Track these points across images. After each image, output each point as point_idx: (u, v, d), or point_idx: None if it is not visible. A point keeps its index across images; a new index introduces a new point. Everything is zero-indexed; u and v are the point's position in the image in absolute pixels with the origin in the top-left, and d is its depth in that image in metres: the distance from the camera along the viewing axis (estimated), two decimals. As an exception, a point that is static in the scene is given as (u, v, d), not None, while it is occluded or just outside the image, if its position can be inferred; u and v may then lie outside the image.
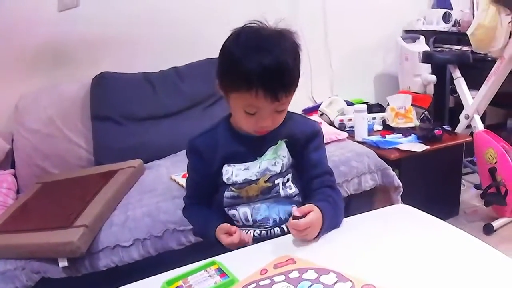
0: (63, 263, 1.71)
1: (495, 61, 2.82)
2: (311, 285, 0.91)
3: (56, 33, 2.72)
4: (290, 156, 1.31)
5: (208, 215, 1.36)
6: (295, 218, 1.12)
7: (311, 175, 1.33)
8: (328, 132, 2.60)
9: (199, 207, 1.42)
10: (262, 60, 1.10)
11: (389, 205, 1.40)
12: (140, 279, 1.07)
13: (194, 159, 1.36)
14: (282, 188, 1.31)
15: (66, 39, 2.75)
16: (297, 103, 3.29)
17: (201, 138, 1.35)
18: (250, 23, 1.19)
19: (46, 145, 2.55)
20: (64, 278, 1.75)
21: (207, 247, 1.32)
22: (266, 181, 1.29)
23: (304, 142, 1.32)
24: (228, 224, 1.25)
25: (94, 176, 2.25)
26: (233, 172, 1.29)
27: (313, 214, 1.14)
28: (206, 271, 1.05)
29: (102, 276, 1.78)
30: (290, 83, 1.16)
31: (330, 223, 1.19)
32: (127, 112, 2.62)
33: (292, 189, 1.32)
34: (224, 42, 1.19)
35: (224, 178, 1.30)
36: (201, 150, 1.32)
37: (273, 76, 1.11)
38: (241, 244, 1.22)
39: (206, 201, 1.39)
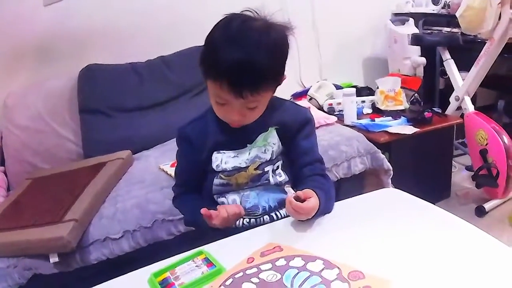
0: (54, 259, 1.70)
1: (485, 43, 2.79)
2: (297, 273, 0.90)
3: (42, 28, 2.70)
4: (280, 143, 1.31)
5: (197, 203, 1.33)
6: (297, 199, 1.12)
7: (302, 163, 1.32)
8: (317, 117, 2.58)
9: (189, 196, 1.41)
10: (234, 53, 1.08)
11: (379, 189, 1.40)
12: (131, 271, 1.06)
13: (184, 146, 1.35)
14: (272, 175, 1.30)
15: (52, 34, 2.72)
16: (286, 88, 3.27)
17: (191, 125, 1.34)
18: (244, 10, 1.17)
19: (35, 140, 2.55)
20: (56, 274, 1.74)
21: (197, 236, 1.32)
22: (255, 169, 1.29)
23: (295, 129, 1.32)
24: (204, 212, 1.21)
25: (83, 169, 2.24)
26: (223, 160, 1.28)
27: (314, 200, 1.13)
28: (193, 261, 1.05)
29: (94, 269, 1.77)
30: (259, 83, 1.12)
31: (322, 210, 1.18)
32: (115, 103, 2.61)
33: (282, 177, 1.32)
34: (213, 27, 1.17)
35: (214, 165, 1.29)
36: (191, 137, 1.31)
37: (240, 72, 1.08)
38: (234, 217, 1.22)
39: (196, 189, 1.38)
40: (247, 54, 1.08)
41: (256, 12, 1.16)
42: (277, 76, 1.18)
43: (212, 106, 1.23)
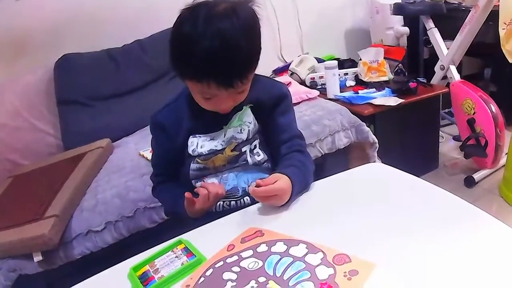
0: (37, 257, 1.66)
1: (469, 10, 2.75)
2: (280, 259, 0.87)
3: (15, 22, 2.62)
4: (256, 121, 1.27)
5: (176, 192, 1.31)
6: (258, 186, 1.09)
7: (279, 140, 1.29)
8: (299, 92, 2.56)
9: (167, 184, 1.39)
10: (210, 48, 1.01)
11: (366, 163, 1.36)
12: (117, 263, 1.03)
13: (158, 134, 1.32)
14: (250, 155, 1.27)
15: (25, 26, 2.65)
16: (266, 64, 3.29)
17: (164, 112, 1.30)
18: None
19: (14, 138, 2.49)
20: (41, 273, 1.71)
21: (181, 223, 1.28)
22: (232, 150, 1.26)
23: (271, 106, 1.28)
24: (188, 196, 1.19)
25: (63, 162, 2.20)
26: (198, 143, 1.25)
27: (281, 181, 1.09)
28: (173, 251, 1.02)
29: (78, 265, 1.73)
30: (245, 67, 1.09)
31: (299, 188, 1.15)
32: (92, 92, 2.56)
33: (260, 156, 1.28)
34: (174, 23, 1.09)
35: (190, 150, 1.26)
36: (164, 125, 1.28)
37: (224, 65, 1.03)
38: (216, 197, 1.20)
39: (174, 177, 1.36)
40: (226, 46, 1.02)
41: None
42: (257, 54, 1.13)
43: (197, 100, 1.18)
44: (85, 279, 1.00)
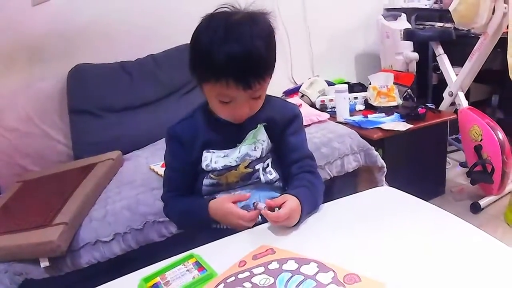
0: (44, 263, 1.66)
1: (478, 37, 2.78)
2: (291, 277, 0.88)
3: (30, 29, 2.65)
4: (269, 140, 1.29)
5: (196, 200, 1.32)
6: (271, 210, 1.11)
7: (290, 160, 1.31)
8: (309, 114, 2.57)
9: (182, 198, 1.36)
10: (230, 50, 1.06)
11: (374, 186, 1.38)
12: (123, 274, 1.04)
13: (174, 146, 1.32)
14: (263, 173, 1.29)
15: (41, 34, 2.68)
16: (277, 85, 3.31)
17: (180, 125, 1.32)
18: (220, 7, 1.15)
19: (25, 143, 2.52)
20: (47, 278, 1.71)
21: (189, 238, 1.29)
22: (246, 167, 1.27)
23: (283, 126, 1.30)
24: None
25: (73, 171, 2.21)
26: (212, 159, 1.27)
27: (289, 202, 1.11)
28: (184, 265, 1.03)
29: (85, 273, 1.74)
30: (262, 70, 1.13)
31: (308, 208, 1.17)
32: (104, 103, 2.58)
33: (273, 174, 1.30)
34: (194, 31, 1.15)
35: (203, 165, 1.27)
36: (181, 137, 1.29)
37: (243, 64, 1.08)
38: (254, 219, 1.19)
39: (188, 192, 1.35)
40: (243, 46, 1.07)
41: (232, 6, 1.16)
42: (274, 61, 1.18)
43: (213, 107, 1.22)
44: (91, 288, 1.00)
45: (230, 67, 1.07)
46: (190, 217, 1.32)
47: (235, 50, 1.06)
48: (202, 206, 1.24)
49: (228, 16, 1.13)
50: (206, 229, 1.29)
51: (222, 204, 1.21)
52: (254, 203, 1.21)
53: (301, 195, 1.16)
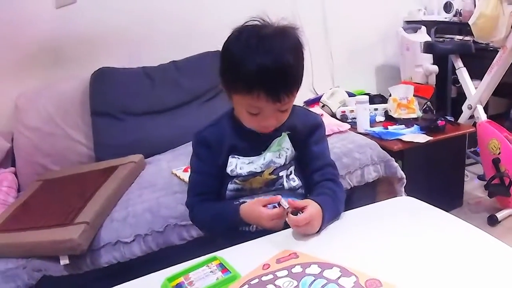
0: (64, 261, 1.69)
1: (497, 51, 2.79)
2: (314, 280, 0.89)
3: (54, 30, 2.71)
4: (293, 148, 1.31)
5: (223, 203, 1.33)
6: (293, 213, 1.12)
7: (312, 168, 1.33)
8: (330, 124, 2.58)
9: (210, 202, 1.35)
10: (262, 61, 1.09)
11: (393, 197, 1.39)
12: (142, 275, 1.06)
13: (203, 150, 1.33)
14: (286, 180, 1.31)
15: (64, 36, 2.73)
16: (298, 95, 3.29)
17: (208, 130, 1.33)
18: (251, 20, 1.18)
19: (46, 142, 2.55)
20: (66, 276, 1.74)
21: (210, 241, 1.31)
22: (270, 174, 1.29)
23: (306, 134, 1.32)
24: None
25: (95, 172, 2.24)
26: (237, 165, 1.28)
27: (311, 208, 1.13)
28: (208, 266, 1.04)
29: (103, 272, 1.77)
30: (292, 83, 1.16)
31: (330, 215, 1.18)
32: (126, 107, 2.61)
33: (296, 182, 1.32)
34: (225, 42, 1.18)
35: (228, 170, 1.29)
36: (209, 141, 1.31)
37: (274, 77, 1.10)
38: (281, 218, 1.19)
39: (215, 195, 1.35)
40: (275, 58, 1.10)
41: (262, 20, 1.18)
42: (302, 75, 1.21)
43: (241, 117, 1.24)
44: (110, 287, 1.01)
45: (263, 80, 1.09)
46: (222, 221, 1.31)
47: (267, 62, 1.08)
48: (234, 210, 1.24)
49: (260, 29, 1.15)
50: (232, 232, 1.29)
51: (254, 208, 1.21)
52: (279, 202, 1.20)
53: (324, 202, 1.17)
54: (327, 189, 1.28)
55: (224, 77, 1.19)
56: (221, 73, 1.20)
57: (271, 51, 1.10)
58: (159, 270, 1.06)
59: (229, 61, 1.16)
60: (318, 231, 1.14)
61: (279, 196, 1.20)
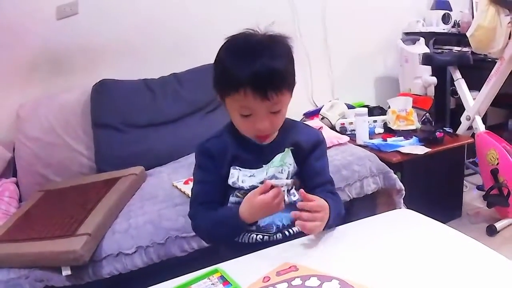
0: (66, 272, 1.70)
1: (495, 62, 2.82)
2: (313, 293, 0.91)
3: (55, 41, 2.72)
4: (295, 164, 1.32)
5: (223, 209, 1.31)
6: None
7: (313, 184, 1.33)
8: (329, 136, 2.59)
9: (211, 210, 1.31)
10: (248, 60, 1.13)
11: (392, 209, 1.41)
12: (143, 286, 1.06)
13: (205, 161, 1.33)
14: (287, 195, 1.30)
15: (65, 47, 2.75)
16: (298, 107, 3.35)
17: (211, 141, 1.34)
18: (243, 31, 1.22)
19: (47, 153, 2.56)
20: (68, 286, 1.75)
21: (211, 253, 1.32)
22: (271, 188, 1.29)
23: (308, 150, 1.33)
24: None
25: (96, 184, 2.25)
26: (239, 178, 1.29)
27: (320, 200, 1.17)
28: (209, 279, 1.05)
29: (105, 284, 1.78)
30: (280, 81, 1.17)
31: (335, 213, 1.21)
32: (127, 119, 2.62)
33: (296, 196, 1.32)
34: (218, 52, 1.22)
35: (230, 181, 1.30)
36: (212, 152, 1.32)
37: (260, 74, 1.12)
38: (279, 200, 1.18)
39: (219, 206, 1.33)
40: (262, 59, 1.13)
41: (253, 30, 1.23)
42: (292, 78, 1.23)
43: (236, 123, 1.26)
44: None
45: (248, 77, 1.12)
46: (223, 227, 1.28)
47: (253, 63, 1.12)
48: (233, 213, 1.23)
49: (249, 36, 1.21)
50: (233, 242, 1.30)
51: (253, 200, 1.18)
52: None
53: (329, 202, 1.20)
54: (329, 193, 1.31)
55: (215, 85, 1.23)
56: (213, 81, 1.23)
57: (258, 54, 1.14)
58: (160, 281, 1.07)
59: (219, 68, 1.20)
60: (321, 236, 1.17)
61: (268, 181, 1.18)
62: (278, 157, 1.27)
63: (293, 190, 1.32)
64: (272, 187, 1.17)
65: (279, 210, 1.19)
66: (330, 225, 1.21)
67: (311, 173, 1.33)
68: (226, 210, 1.30)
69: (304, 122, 2.25)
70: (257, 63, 1.12)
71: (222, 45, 1.22)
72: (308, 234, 1.19)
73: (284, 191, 1.21)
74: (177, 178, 2.22)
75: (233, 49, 1.19)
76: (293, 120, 1.36)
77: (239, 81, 1.13)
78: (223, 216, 1.29)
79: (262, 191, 1.16)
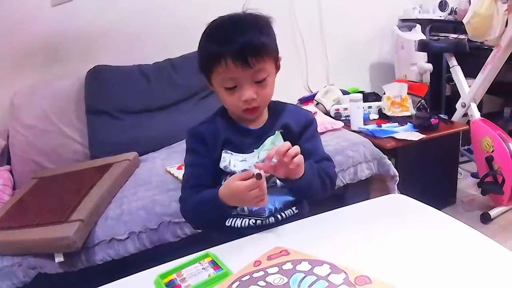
0: (59, 258, 1.71)
1: (492, 50, 2.80)
2: (304, 277, 0.91)
3: (50, 28, 2.71)
4: None
5: (206, 191, 1.27)
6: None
7: None
8: (324, 122, 2.60)
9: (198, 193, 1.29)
10: (227, 35, 1.15)
11: (385, 194, 1.40)
12: (136, 272, 1.07)
13: (197, 144, 1.32)
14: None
15: (60, 34, 2.74)
16: (292, 93, 3.35)
17: (203, 125, 1.34)
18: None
19: (41, 140, 2.56)
20: (61, 273, 1.75)
21: (203, 238, 1.31)
22: (265, 171, 1.28)
23: (298, 132, 1.33)
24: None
25: (89, 170, 2.25)
26: (231, 162, 1.28)
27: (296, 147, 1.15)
28: (200, 263, 1.05)
29: (98, 270, 1.78)
30: (260, 48, 1.17)
31: (309, 166, 1.22)
32: (121, 105, 2.61)
33: None
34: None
35: (221, 165, 1.29)
36: (204, 135, 1.31)
37: (238, 42, 1.13)
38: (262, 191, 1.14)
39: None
40: (239, 29, 1.16)
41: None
42: (273, 47, 1.23)
43: (224, 100, 1.26)
44: (104, 284, 1.03)
45: (227, 47, 1.13)
46: (204, 208, 1.26)
47: (231, 34, 1.15)
48: (213, 193, 1.20)
49: (225, 16, 1.23)
50: (221, 226, 1.29)
51: (230, 184, 1.15)
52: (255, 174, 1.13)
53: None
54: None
55: (199, 66, 1.24)
56: (199, 66, 1.25)
57: (235, 26, 1.18)
58: (153, 267, 1.07)
59: (200, 49, 1.23)
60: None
61: (250, 170, 1.15)
62: (269, 140, 1.26)
63: None
64: (259, 177, 1.11)
65: (258, 205, 1.17)
66: (308, 176, 1.21)
67: (304, 154, 1.31)
68: (208, 191, 1.25)
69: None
70: (235, 34, 1.14)
71: (204, 29, 1.24)
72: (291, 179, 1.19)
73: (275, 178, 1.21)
74: (171, 163, 2.22)
75: (211, 29, 1.22)
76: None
77: (219, 53, 1.14)
78: (205, 196, 1.25)
79: (243, 178, 1.13)
